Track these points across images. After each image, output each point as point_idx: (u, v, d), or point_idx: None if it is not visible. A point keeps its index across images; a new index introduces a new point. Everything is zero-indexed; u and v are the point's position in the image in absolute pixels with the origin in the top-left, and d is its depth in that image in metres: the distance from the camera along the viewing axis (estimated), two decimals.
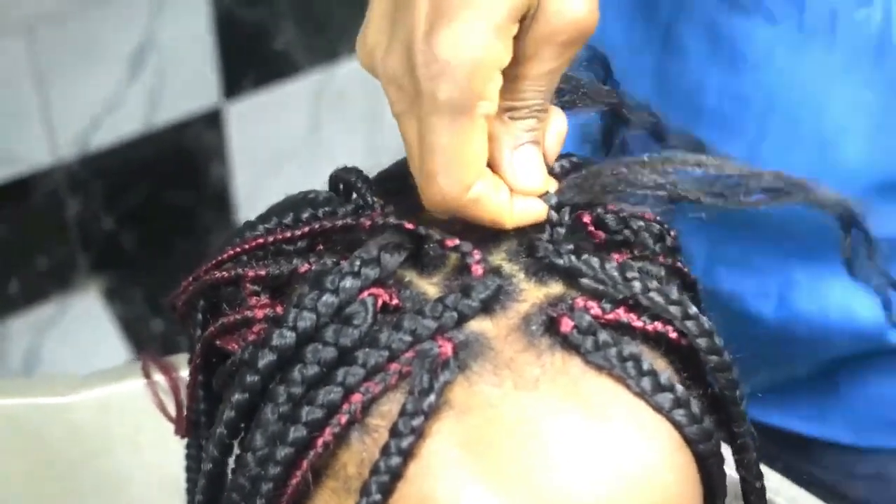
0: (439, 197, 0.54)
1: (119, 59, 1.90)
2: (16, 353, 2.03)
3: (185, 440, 0.72)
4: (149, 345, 2.04)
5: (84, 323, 2.08)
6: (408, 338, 0.52)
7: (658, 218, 0.63)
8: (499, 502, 0.50)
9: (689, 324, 0.56)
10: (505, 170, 0.57)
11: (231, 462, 0.58)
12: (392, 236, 0.55)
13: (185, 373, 0.72)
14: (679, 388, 0.55)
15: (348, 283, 0.53)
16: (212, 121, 2.05)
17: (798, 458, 0.96)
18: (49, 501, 0.78)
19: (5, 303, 2.03)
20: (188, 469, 0.72)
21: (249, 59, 2.04)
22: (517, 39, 0.54)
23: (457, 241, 0.55)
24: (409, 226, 0.56)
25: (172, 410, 0.73)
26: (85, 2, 1.82)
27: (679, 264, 0.61)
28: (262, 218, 0.62)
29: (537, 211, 0.57)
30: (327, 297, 0.53)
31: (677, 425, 0.55)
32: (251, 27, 2.00)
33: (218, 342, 0.60)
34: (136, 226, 2.10)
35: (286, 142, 2.15)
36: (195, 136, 2.05)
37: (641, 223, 0.62)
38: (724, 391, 0.58)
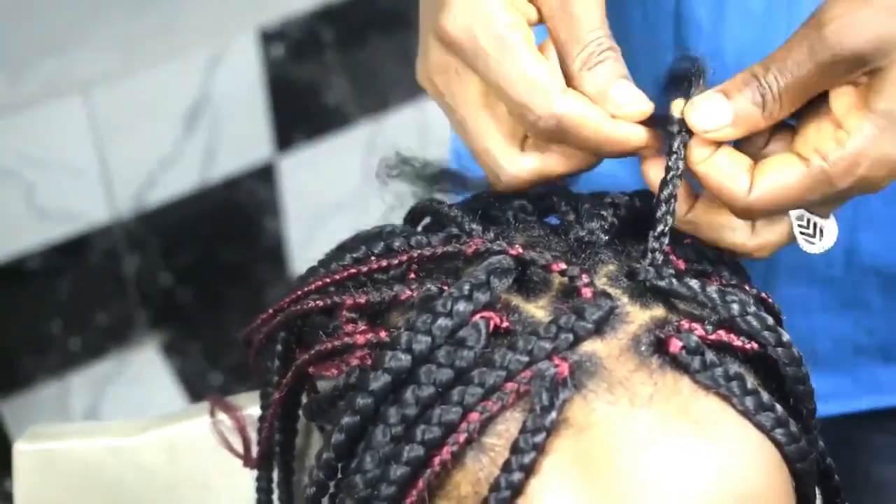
0: (539, 112, 0.57)
1: (174, 117, 1.93)
2: (77, 407, 2.05)
3: (255, 476, 0.73)
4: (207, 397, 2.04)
5: (143, 378, 2.09)
6: (524, 358, 0.53)
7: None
8: None
9: (781, 351, 0.57)
10: (609, 107, 0.59)
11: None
12: (498, 261, 0.56)
13: (249, 411, 0.74)
14: (779, 407, 0.56)
15: (461, 306, 0.54)
16: (265, 175, 2.07)
17: None
18: None
19: (66, 359, 2.05)
20: (259, 502, 0.73)
21: (301, 112, 2.06)
22: None
23: (563, 265, 0.57)
24: (515, 251, 0.57)
25: (237, 447, 0.74)
26: (140, 61, 1.84)
27: (763, 294, 0.62)
28: (349, 249, 0.63)
29: (638, 135, 0.59)
30: (441, 321, 0.54)
31: (778, 444, 0.56)
32: (302, 81, 2.02)
33: (311, 370, 0.61)
34: (192, 281, 2.12)
35: (339, 194, 2.16)
36: (249, 190, 2.07)
37: (718, 254, 0.63)
38: (803, 413, 0.60)
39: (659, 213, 0.60)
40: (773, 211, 0.59)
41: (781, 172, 0.58)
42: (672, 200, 0.60)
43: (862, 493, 1.00)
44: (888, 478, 0.99)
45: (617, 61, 0.59)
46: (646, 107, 0.59)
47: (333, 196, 2.16)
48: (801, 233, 0.62)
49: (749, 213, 0.59)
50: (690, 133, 0.59)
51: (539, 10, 0.60)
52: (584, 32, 0.59)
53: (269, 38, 1.94)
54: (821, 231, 0.61)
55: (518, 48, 0.58)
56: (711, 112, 0.58)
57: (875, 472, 0.99)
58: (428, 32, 0.61)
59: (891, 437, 0.97)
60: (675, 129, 0.59)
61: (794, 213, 0.61)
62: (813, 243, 0.62)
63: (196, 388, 2.09)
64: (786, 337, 0.58)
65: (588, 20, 0.59)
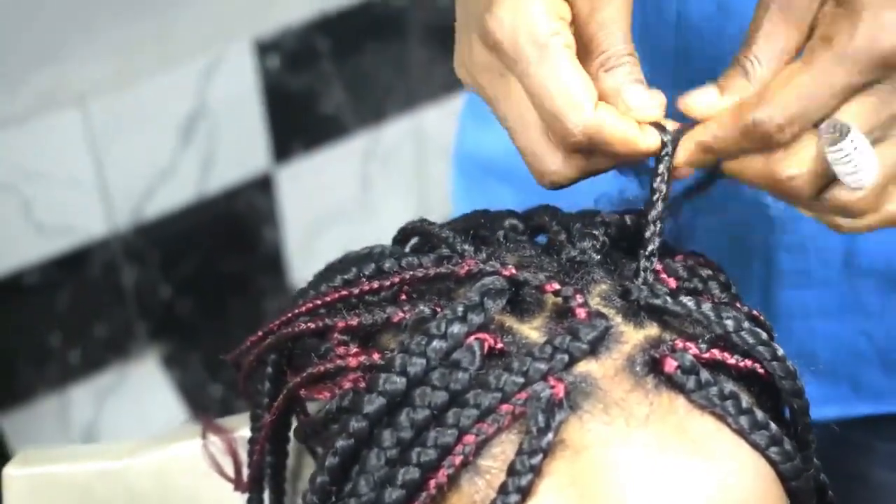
0: (571, 126, 0.57)
1: (171, 128, 1.93)
2: (77, 420, 2.05)
3: (245, 499, 0.73)
4: (207, 410, 2.04)
5: (143, 390, 2.09)
6: (520, 379, 0.53)
7: (719, 266, 0.65)
8: None
9: (776, 365, 0.57)
10: (621, 108, 0.59)
11: None
12: (492, 282, 0.56)
13: (240, 433, 0.73)
14: (773, 426, 0.56)
15: (455, 328, 0.54)
16: (263, 185, 2.07)
17: None
18: None
19: (66, 372, 2.05)
20: None
21: (298, 122, 2.06)
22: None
23: (557, 286, 0.57)
24: (508, 272, 0.57)
25: (228, 470, 0.74)
26: (136, 73, 1.84)
27: (755, 311, 0.63)
28: (339, 271, 0.63)
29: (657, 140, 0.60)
30: (436, 343, 0.54)
31: (773, 462, 0.56)
32: (299, 91, 2.02)
33: (303, 392, 0.61)
34: (191, 292, 2.12)
35: (337, 203, 2.16)
36: (247, 201, 2.07)
37: (709, 271, 0.63)
38: (799, 429, 0.60)
39: (648, 233, 0.60)
40: (799, 115, 0.56)
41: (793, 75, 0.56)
42: (659, 220, 0.60)
43: (862, 499, 1.00)
44: (889, 483, 0.99)
45: (634, 66, 0.60)
46: (656, 112, 0.59)
47: (332, 205, 2.16)
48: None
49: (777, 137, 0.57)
50: (673, 153, 0.60)
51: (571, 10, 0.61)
52: (606, 38, 0.60)
53: (265, 48, 1.94)
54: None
55: (557, 57, 0.58)
56: (700, 97, 0.60)
57: (875, 478, 1.00)
58: (471, 30, 0.61)
59: (891, 443, 0.97)
60: (661, 153, 0.60)
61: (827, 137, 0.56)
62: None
63: (196, 400, 2.09)
64: (780, 351, 0.58)
65: (612, 28, 0.60)
